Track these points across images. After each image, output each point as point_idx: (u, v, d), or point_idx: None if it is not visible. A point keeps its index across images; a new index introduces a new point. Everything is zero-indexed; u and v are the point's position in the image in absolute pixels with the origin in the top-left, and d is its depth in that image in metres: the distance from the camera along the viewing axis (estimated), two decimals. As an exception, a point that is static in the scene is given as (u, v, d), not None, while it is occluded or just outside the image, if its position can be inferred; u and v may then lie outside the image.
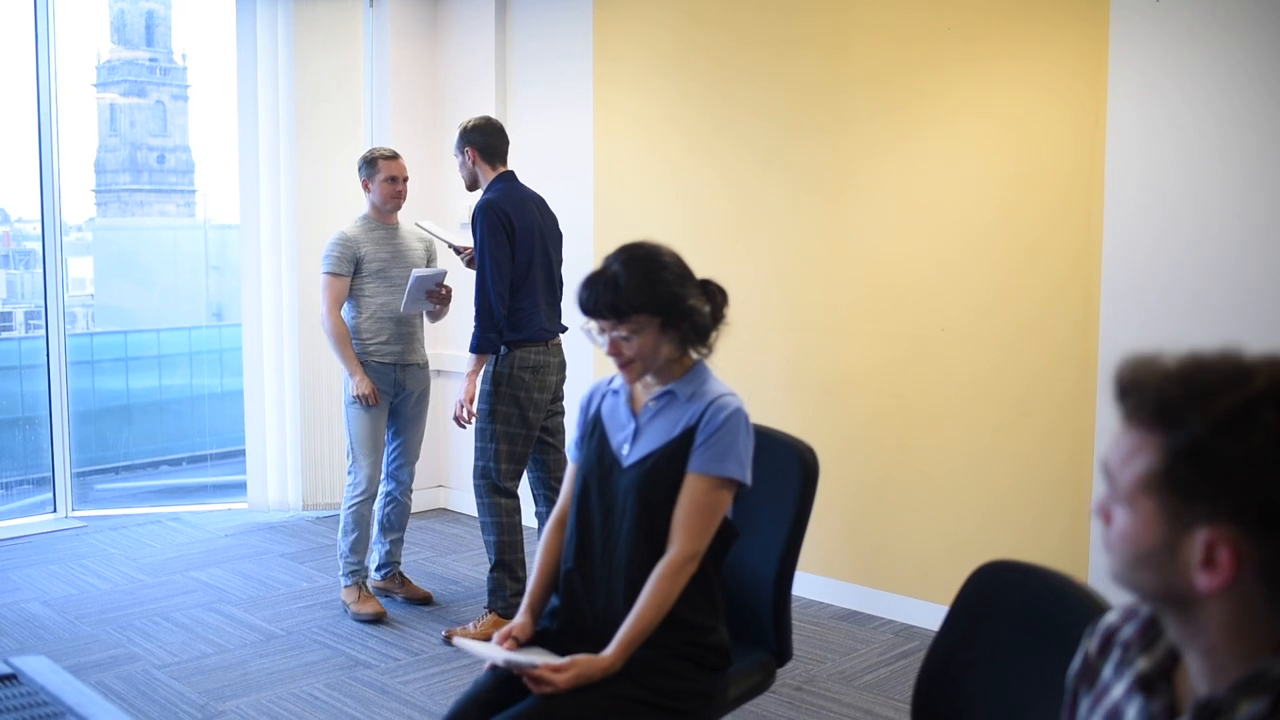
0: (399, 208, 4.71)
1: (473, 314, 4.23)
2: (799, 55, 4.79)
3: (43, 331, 6.09)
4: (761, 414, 4.85)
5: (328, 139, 6.11)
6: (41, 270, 6.05)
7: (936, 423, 4.47)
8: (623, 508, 2.39)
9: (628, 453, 2.42)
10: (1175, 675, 1.21)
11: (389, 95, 6.15)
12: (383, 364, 4.63)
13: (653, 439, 2.40)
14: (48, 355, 6.03)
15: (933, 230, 4.43)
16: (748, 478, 2.38)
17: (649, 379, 2.45)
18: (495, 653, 2.37)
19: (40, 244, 6.04)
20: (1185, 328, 3.77)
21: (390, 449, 4.81)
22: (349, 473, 4.71)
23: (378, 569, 4.87)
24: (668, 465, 2.35)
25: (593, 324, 2.38)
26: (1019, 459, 4.25)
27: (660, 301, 2.34)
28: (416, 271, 4.54)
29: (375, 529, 4.83)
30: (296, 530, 5.98)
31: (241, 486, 6.38)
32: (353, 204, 5.82)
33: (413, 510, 5.06)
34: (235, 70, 6.05)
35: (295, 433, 6.13)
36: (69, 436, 6.11)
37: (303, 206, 6.03)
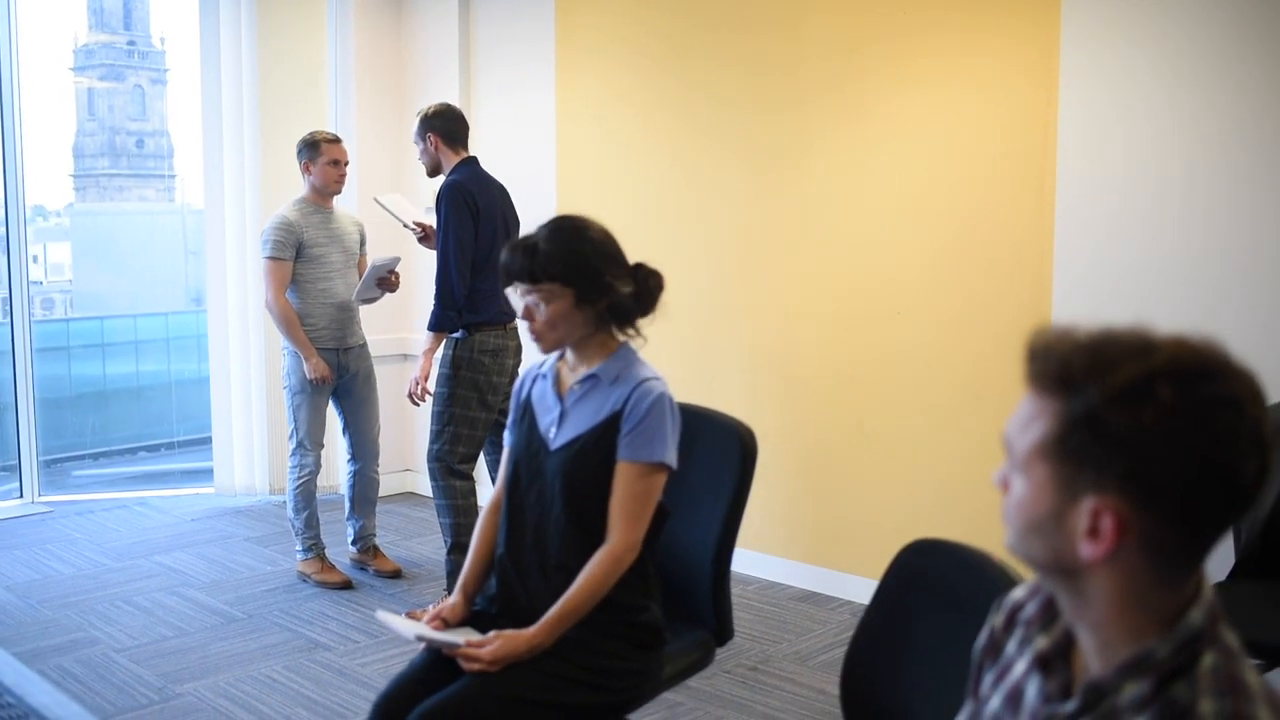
0: (339, 191, 4.80)
1: (434, 293, 4.26)
2: (756, 36, 4.80)
3: (7, 318, 6.07)
4: (717, 393, 4.91)
5: (292, 124, 6.07)
6: (5, 256, 6.04)
7: (892, 404, 4.50)
8: (551, 492, 2.41)
9: (554, 436, 2.44)
10: (1073, 655, 1.23)
11: (352, 80, 6.14)
12: (325, 349, 4.72)
13: (578, 423, 2.41)
14: (12, 341, 6.02)
15: (885, 210, 4.46)
16: (675, 462, 2.40)
17: (572, 361, 2.47)
18: (411, 629, 2.40)
19: (4, 228, 6.03)
20: (1136, 307, 3.81)
21: (350, 434, 4.88)
22: (292, 455, 4.81)
23: (353, 542, 5.06)
24: (594, 449, 2.37)
25: (516, 287, 2.41)
26: (972, 439, 4.29)
27: (575, 272, 2.35)
28: (375, 259, 4.61)
29: (347, 506, 5.00)
30: (263, 514, 6.00)
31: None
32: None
33: (380, 495, 5.11)
34: (199, 55, 6.04)
35: (262, 417, 6.13)
36: (35, 423, 6.11)
37: (267, 191, 6.02)
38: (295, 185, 5.98)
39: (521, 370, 4.48)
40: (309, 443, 4.78)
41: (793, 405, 4.79)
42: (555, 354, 2.52)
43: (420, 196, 6.08)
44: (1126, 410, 1.07)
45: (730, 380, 4.96)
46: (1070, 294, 3.97)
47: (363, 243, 4.93)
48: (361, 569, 5.00)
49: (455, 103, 5.98)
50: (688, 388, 5.01)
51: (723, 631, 2.73)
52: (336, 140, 4.77)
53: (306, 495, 4.81)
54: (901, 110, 4.41)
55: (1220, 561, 3.36)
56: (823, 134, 4.63)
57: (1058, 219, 3.99)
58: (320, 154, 4.71)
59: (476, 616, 2.51)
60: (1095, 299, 3.90)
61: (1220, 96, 3.64)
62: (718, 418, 2.77)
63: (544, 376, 2.53)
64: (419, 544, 5.51)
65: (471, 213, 4.23)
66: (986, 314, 4.23)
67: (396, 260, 4.70)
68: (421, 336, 4.48)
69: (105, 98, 37.91)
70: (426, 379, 4.34)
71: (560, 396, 2.47)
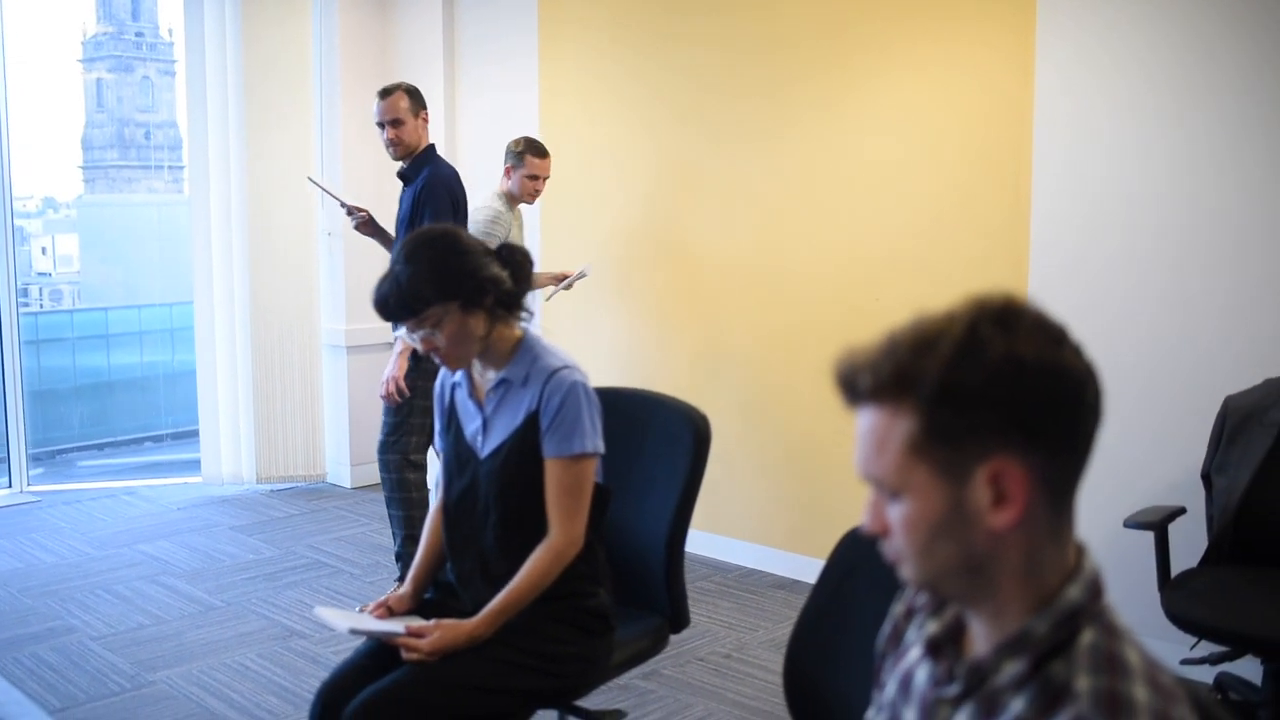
0: (530, 204, 4.88)
1: None
2: (736, 24, 4.78)
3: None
4: (695, 378, 4.90)
5: (277, 115, 6.09)
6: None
7: (871, 391, 4.47)
8: (486, 500, 2.39)
9: (481, 445, 2.41)
10: (964, 639, 1.21)
11: (337, 72, 6.12)
12: None
13: (501, 429, 2.38)
14: (0, 333, 6.03)
15: (862, 194, 4.44)
16: (600, 446, 2.37)
17: (479, 366, 2.44)
18: (346, 623, 2.38)
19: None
20: (1113, 290, 3.79)
21: None
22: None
23: None
24: (519, 453, 2.34)
25: (400, 330, 2.36)
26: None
27: (451, 286, 2.27)
28: (586, 267, 4.95)
29: None
30: (249, 503, 6.01)
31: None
32: (300, 180, 5.84)
33: (360, 485, 5.10)
34: (184, 48, 6.03)
35: (248, 406, 6.14)
36: (23, 412, 6.12)
37: (253, 183, 6.02)
38: (279, 176, 6.02)
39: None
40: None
41: (772, 391, 4.77)
42: None
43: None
44: (970, 365, 1.07)
45: (709, 366, 4.94)
46: (1047, 277, 3.94)
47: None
48: None
49: (439, 94, 6.01)
50: (664, 373, 5.03)
51: (678, 618, 2.71)
52: (543, 156, 4.78)
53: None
54: (878, 95, 4.38)
55: (1192, 548, 3.35)
56: (802, 119, 4.60)
57: (1034, 202, 3.96)
58: (524, 166, 4.72)
59: (425, 606, 2.51)
60: (1072, 283, 3.88)
61: (1198, 79, 3.60)
62: (670, 402, 2.76)
63: (459, 385, 2.49)
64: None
65: (455, 212, 4.22)
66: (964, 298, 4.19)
67: (589, 267, 4.94)
68: (374, 327, 4.39)
69: (114, 89, 37.95)
70: (402, 378, 4.19)
71: (479, 404, 2.44)
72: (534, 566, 2.31)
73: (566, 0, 5.51)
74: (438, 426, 2.56)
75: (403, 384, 4.19)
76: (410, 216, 4.24)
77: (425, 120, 4.37)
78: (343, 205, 4.57)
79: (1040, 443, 1.07)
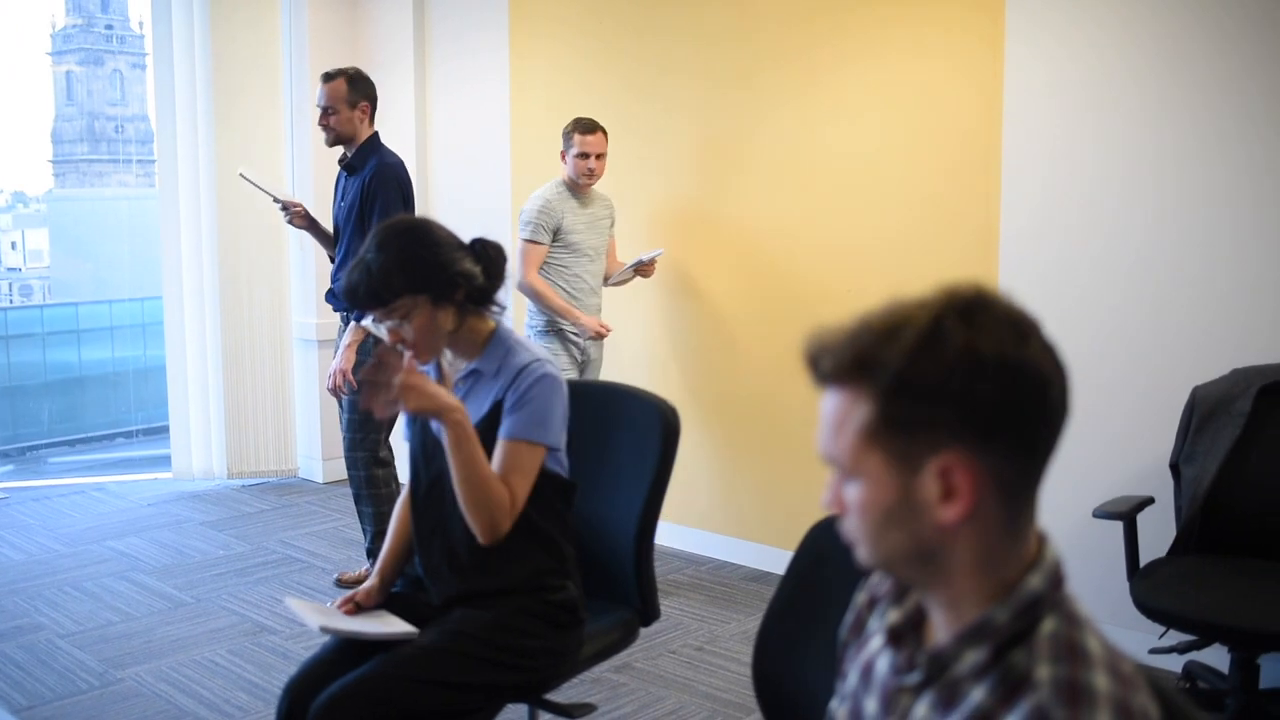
0: (589, 185, 4.58)
1: None
2: (707, 14, 4.78)
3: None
4: (670, 371, 4.89)
5: (247, 109, 6.05)
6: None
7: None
8: (453, 490, 2.37)
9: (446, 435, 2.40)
10: (925, 627, 1.21)
11: (307, 66, 6.06)
12: (572, 337, 4.60)
13: (469, 417, 2.35)
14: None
15: (833, 183, 4.44)
16: (560, 443, 2.36)
17: (450, 356, 2.42)
18: (318, 620, 2.36)
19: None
20: (1081, 275, 3.80)
21: None
22: None
23: None
24: (487, 442, 2.31)
25: (367, 319, 2.34)
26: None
27: (422, 278, 2.26)
28: (644, 255, 4.63)
29: None
30: (220, 498, 5.97)
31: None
32: (270, 173, 5.79)
33: (332, 480, 5.05)
34: (152, 43, 5.98)
35: (219, 400, 6.10)
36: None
37: (222, 178, 5.96)
38: (249, 169, 5.96)
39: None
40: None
41: (746, 384, 4.77)
42: None
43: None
44: (929, 358, 1.06)
45: (682, 358, 4.94)
46: (1016, 266, 3.95)
47: (611, 224, 4.74)
48: None
49: (410, 82, 5.98)
50: (635, 365, 5.02)
51: (648, 611, 2.70)
52: (591, 130, 4.51)
53: None
54: (849, 81, 4.39)
55: (1161, 537, 3.36)
56: (773, 109, 4.61)
57: (1004, 192, 3.97)
58: (572, 144, 4.51)
59: (393, 600, 2.49)
60: (1041, 272, 3.89)
61: (1167, 68, 3.61)
62: (639, 394, 2.75)
63: (426, 373, 2.46)
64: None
65: (404, 200, 4.18)
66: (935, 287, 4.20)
67: (659, 252, 4.67)
68: (329, 322, 4.30)
69: (84, 83, 37.55)
70: (349, 372, 4.12)
71: None
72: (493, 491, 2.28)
73: (538, -8, 5.49)
74: (405, 417, 2.54)
75: (350, 377, 4.11)
76: (359, 206, 4.18)
77: (365, 111, 4.30)
78: (276, 200, 4.47)
79: (995, 441, 1.06)
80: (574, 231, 4.53)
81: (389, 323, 2.30)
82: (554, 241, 4.51)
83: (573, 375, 4.57)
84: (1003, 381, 1.05)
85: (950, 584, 1.12)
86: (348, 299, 2.31)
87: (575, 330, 4.56)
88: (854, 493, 1.13)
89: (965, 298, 1.09)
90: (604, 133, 4.56)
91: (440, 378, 2.45)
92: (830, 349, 1.13)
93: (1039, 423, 1.07)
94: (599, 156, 4.53)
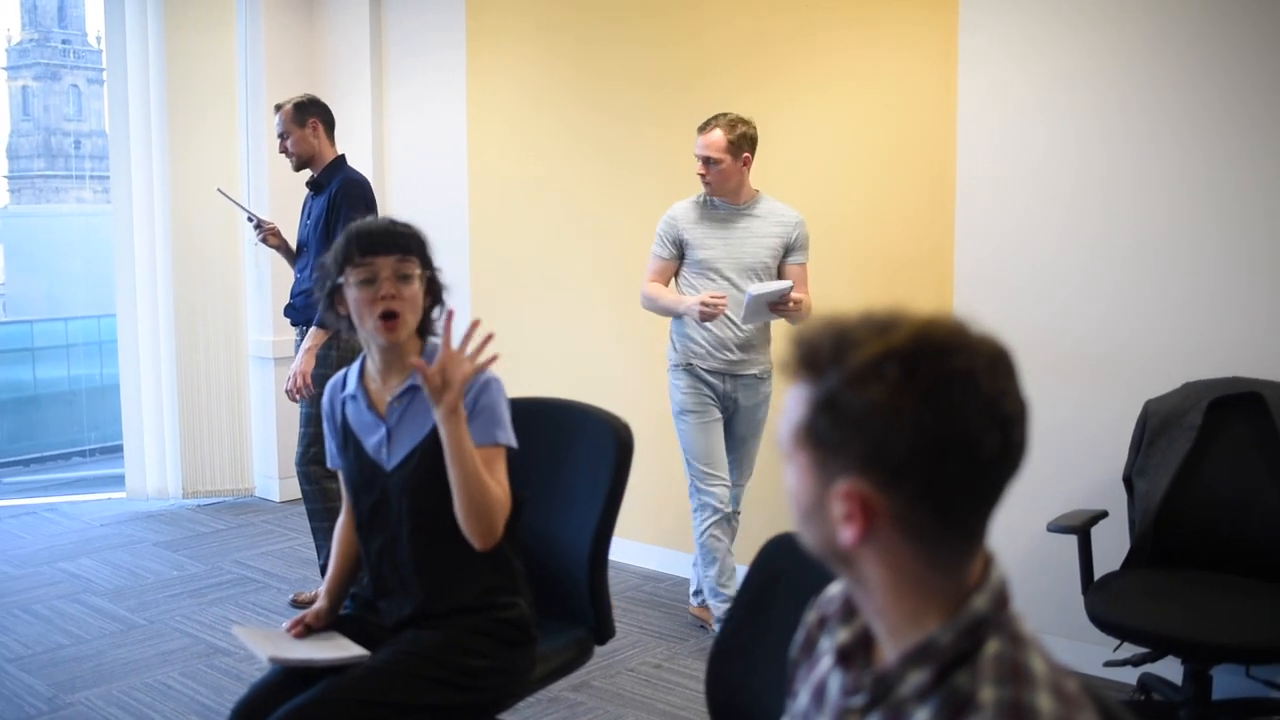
0: (711, 191, 4.01)
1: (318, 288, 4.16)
2: (661, 48, 4.79)
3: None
4: (630, 385, 4.88)
5: (202, 125, 6.00)
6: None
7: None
8: (398, 513, 2.35)
9: (387, 457, 2.37)
10: (874, 647, 1.20)
11: (263, 81, 6.03)
12: (706, 372, 4.08)
13: (410, 437, 2.35)
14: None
15: (793, 198, 4.45)
16: (511, 440, 2.36)
17: (380, 374, 2.41)
18: (266, 650, 2.32)
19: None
20: (1035, 298, 3.82)
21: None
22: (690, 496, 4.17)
23: (694, 593, 4.40)
24: (433, 459, 2.29)
25: (361, 266, 2.31)
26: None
27: (427, 256, 2.39)
28: (755, 289, 3.83)
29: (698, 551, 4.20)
30: (174, 519, 5.89)
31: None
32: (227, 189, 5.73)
33: (289, 499, 5.00)
34: (106, 56, 5.92)
35: (174, 419, 6.02)
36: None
37: (177, 193, 5.91)
38: (203, 185, 5.90)
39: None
40: (698, 472, 4.08)
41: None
42: (355, 373, 2.45)
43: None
44: (858, 390, 1.06)
45: (641, 373, 4.93)
46: (970, 283, 3.96)
47: (792, 249, 4.04)
48: (702, 627, 4.31)
49: (367, 100, 5.97)
50: (590, 381, 5.00)
51: (602, 629, 2.68)
52: (702, 129, 3.96)
53: (705, 547, 4.09)
54: (802, 107, 4.40)
55: (1114, 551, 3.38)
56: (727, 106, 4.60)
57: (958, 209, 3.99)
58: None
59: (343, 622, 2.47)
60: (995, 288, 3.90)
61: (1119, 80, 3.63)
62: (593, 412, 2.73)
63: (353, 398, 2.44)
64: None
65: (369, 215, 4.18)
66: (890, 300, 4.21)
67: (785, 288, 3.86)
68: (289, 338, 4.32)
69: (40, 98, 37.21)
70: (309, 375, 4.13)
71: (380, 416, 2.40)
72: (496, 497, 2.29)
73: (494, 7, 5.48)
74: (332, 446, 2.51)
75: (309, 380, 4.12)
76: (325, 218, 4.21)
77: (314, 127, 4.36)
78: (251, 218, 4.56)
79: (900, 488, 1.05)
80: (701, 247, 4.01)
81: (394, 277, 2.30)
82: (682, 257, 4.11)
83: (709, 418, 4.09)
84: (918, 437, 1.03)
85: (871, 595, 1.13)
86: (375, 236, 2.33)
87: (704, 355, 4.04)
88: (788, 475, 1.16)
89: (927, 339, 1.06)
90: (725, 130, 3.91)
91: (369, 401, 2.42)
92: (805, 340, 1.13)
93: (953, 482, 1.05)
94: (707, 161, 3.95)
